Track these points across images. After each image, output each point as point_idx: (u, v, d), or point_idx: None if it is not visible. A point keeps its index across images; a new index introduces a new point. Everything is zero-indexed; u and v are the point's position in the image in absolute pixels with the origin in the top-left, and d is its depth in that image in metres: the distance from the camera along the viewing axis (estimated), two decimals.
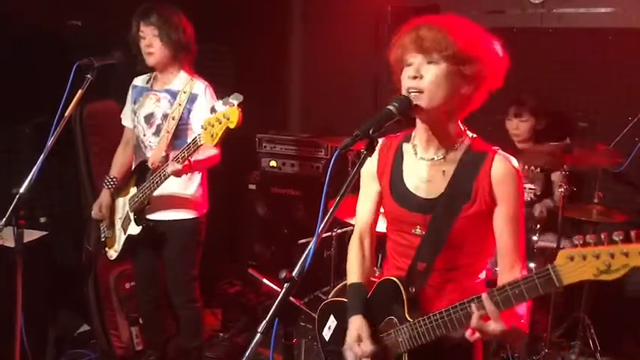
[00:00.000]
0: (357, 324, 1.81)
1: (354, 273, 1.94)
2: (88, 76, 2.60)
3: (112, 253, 3.08)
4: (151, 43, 2.82)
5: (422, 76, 1.65)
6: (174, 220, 2.97)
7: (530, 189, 3.67)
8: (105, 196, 3.07)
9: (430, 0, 4.12)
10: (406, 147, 1.87)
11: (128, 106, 3.10)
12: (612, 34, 3.82)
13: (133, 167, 3.04)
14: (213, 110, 2.38)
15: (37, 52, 3.27)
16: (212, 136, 2.39)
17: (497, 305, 1.53)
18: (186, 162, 2.63)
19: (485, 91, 1.73)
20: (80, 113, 3.42)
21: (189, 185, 2.96)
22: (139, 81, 3.07)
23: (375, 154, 1.89)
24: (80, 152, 3.53)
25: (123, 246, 3.00)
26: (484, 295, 1.55)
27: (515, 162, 1.75)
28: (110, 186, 3.07)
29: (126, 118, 3.14)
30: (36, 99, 3.10)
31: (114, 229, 3.08)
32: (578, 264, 1.39)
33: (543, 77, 4.02)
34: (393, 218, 1.90)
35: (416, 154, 1.83)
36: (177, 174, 2.66)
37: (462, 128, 1.79)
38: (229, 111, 2.32)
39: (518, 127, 3.67)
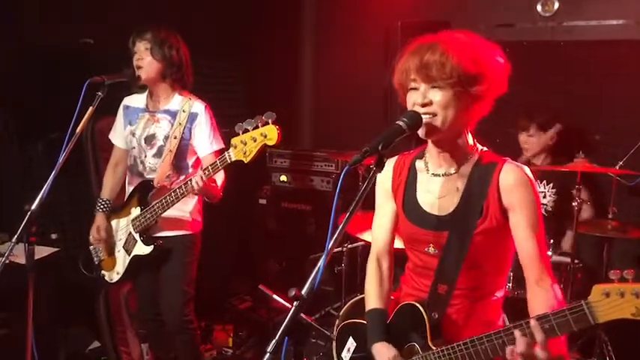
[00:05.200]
0: (382, 352, 1.77)
1: (373, 298, 1.90)
2: (99, 93, 2.62)
3: (114, 276, 3.02)
4: (142, 57, 2.84)
5: (431, 101, 1.63)
6: (173, 237, 2.96)
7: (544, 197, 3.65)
8: (101, 219, 3.04)
9: (440, 15, 4.13)
10: (419, 164, 1.84)
11: (120, 127, 3.08)
12: (624, 46, 3.79)
13: (132, 188, 3.00)
14: (243, 130, 2.38)
15: (49, 69, 3.31)
16: (245, 153, 2.42)
17: (545, 333, 1.43)
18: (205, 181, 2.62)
19: (492, 100, 1.70)
20: (91, 130, 3.44)
21: (187, 201, 2.93)
22: (132, 101, 3.06)
23: (390, 172, 1.87)
24: (91, 169, 3.54)
25: (127, 267, 2.97)
26: (533, 323, 1.45)
27: (527, 170, 1.70)
28: (105, 209, 3.06)
29: (118, 139, 3.11)
30: (48, 116, 3.12)
31: (112, 251, 3.04)
32: (615, 301, 1.29)
33: (554, 90, 3.98)
34: (406, 237, 1.87)
35: (428, 170, 1.81)
36: (198, 190, 2.64)
37: (472, 141, 1.77)
38: (267, 129, 2.33)
39: (526, 141, 3.68)
